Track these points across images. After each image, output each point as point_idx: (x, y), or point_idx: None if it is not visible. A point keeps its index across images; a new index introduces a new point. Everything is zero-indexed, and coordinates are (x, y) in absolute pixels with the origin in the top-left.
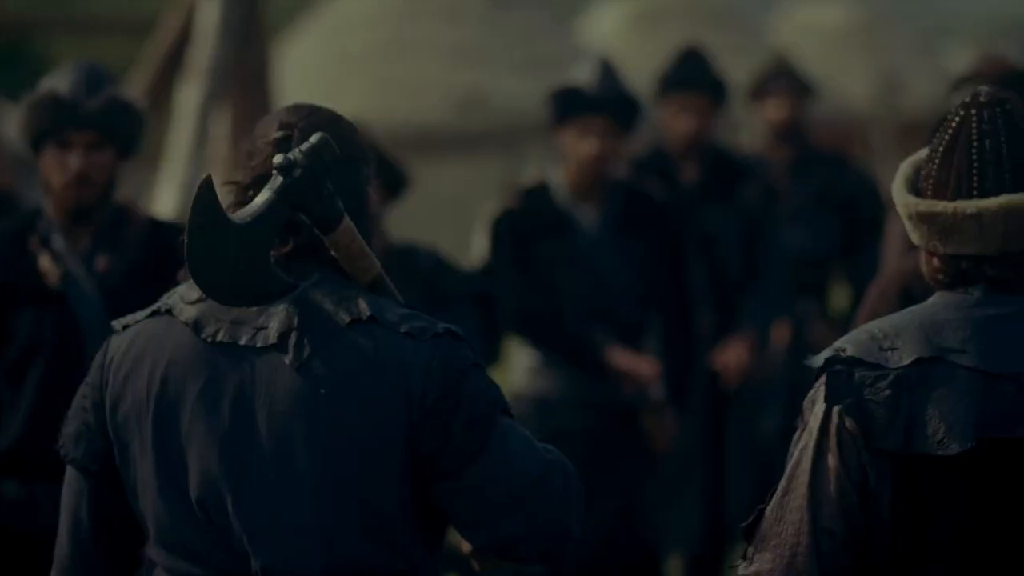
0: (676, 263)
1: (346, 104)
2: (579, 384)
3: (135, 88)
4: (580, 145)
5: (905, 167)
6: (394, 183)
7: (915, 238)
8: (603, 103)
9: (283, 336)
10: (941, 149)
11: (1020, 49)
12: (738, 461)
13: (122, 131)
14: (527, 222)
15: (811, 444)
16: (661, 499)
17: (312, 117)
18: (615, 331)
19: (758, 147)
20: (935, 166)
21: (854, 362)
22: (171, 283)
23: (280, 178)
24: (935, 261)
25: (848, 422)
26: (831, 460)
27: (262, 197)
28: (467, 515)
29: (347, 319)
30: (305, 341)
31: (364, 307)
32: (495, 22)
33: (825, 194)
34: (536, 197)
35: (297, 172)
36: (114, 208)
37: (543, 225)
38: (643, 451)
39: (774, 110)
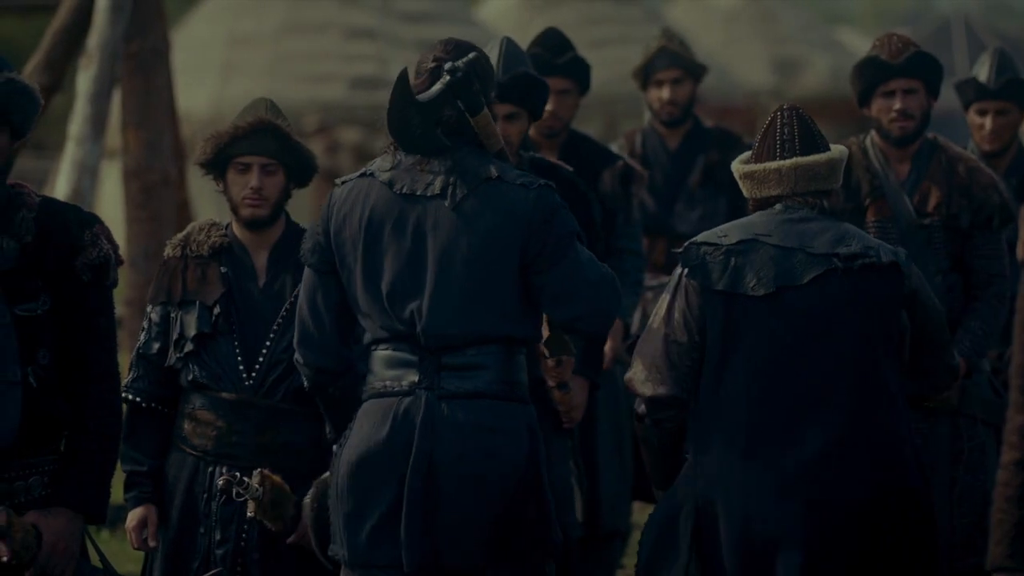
0: (592, 233)
1: (240, 85)
2: None
3: (34, 69)
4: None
5: (744, 153)
6: (302, 170)
7: (744, 191)
8: (508, 90)
9: (444, 187)
10: (759, 135)
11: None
12: (607, 443)
13: (17, 114)
14: None
15: (667, 294)
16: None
17: (457, 50)
18: None
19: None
20: (756, 145)
21: (702, 243)
22: (65, 263)
23: (448, 76)
24: (752, 203)
25: (692, 282)
26: (679, 301)
27: (436, 87)
28: (551, 296)
29: (484, 176)
30: (458, 191)
31: (494, 169)
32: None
33: (714, 172)
34: None
35: (459, 74)
36: (6, 190)
37: None
38: (559, 428)
39: (664, 90)
